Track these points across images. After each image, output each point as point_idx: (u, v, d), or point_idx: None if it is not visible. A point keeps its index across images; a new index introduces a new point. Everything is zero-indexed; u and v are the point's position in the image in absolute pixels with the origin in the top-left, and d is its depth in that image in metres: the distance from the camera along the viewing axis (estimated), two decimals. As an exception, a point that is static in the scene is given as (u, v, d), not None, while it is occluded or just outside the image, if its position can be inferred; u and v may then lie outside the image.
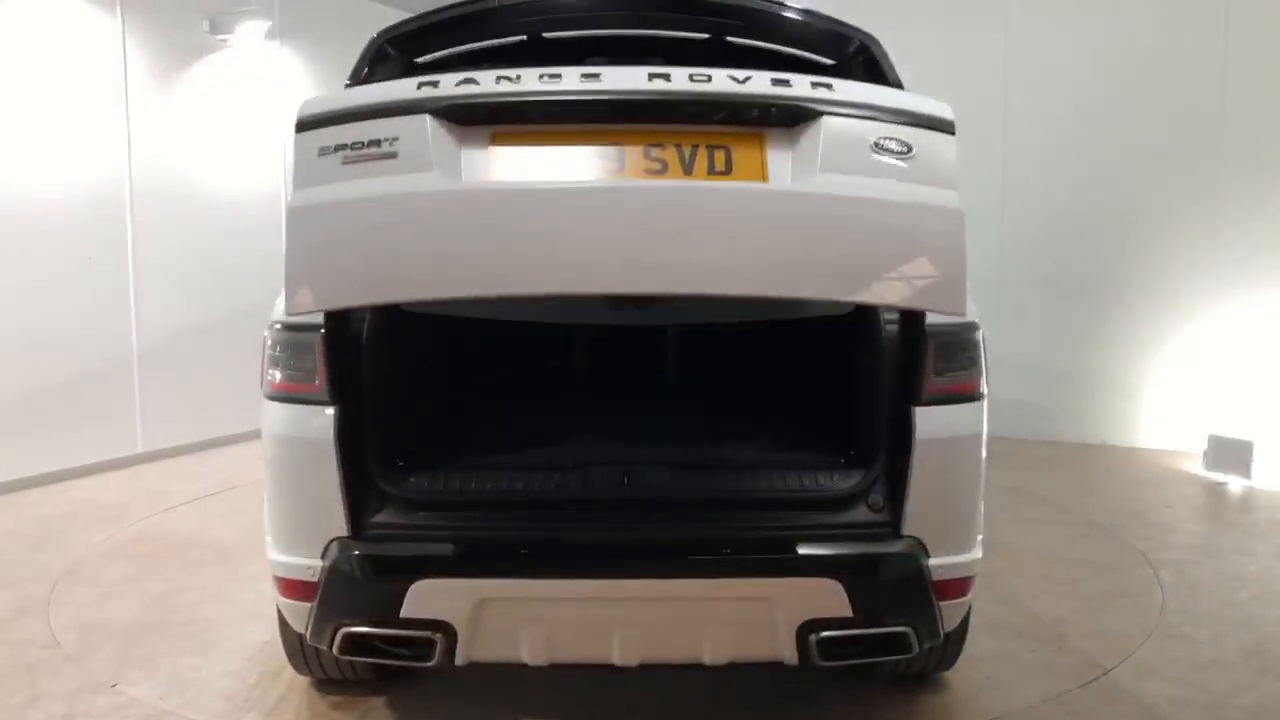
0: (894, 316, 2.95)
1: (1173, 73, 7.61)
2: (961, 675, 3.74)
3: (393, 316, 3.00)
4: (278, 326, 2.90)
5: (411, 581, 2.65)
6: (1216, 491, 6.72)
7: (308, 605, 2.80)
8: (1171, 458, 7.55)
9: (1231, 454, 6.86)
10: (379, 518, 2.83)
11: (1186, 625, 4.25)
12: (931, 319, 2.84)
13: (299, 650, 3.34)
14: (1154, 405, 7.85)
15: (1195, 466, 7.18)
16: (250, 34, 7.99)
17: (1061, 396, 8.09)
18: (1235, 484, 6.79)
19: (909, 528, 2.84)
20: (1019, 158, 8.20)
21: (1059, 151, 8.06)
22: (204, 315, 7.91)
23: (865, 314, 3.01)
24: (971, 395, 2.92)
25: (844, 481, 2.90)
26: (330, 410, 2.81)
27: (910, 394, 2.85)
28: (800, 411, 3.78)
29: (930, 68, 6.84)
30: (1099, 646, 4.09)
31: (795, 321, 3.60)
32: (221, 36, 7.91)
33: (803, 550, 2.79)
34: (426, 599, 2.65)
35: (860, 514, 2.86)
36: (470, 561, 2.69)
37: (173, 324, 7.59)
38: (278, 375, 2.90)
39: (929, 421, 2.84)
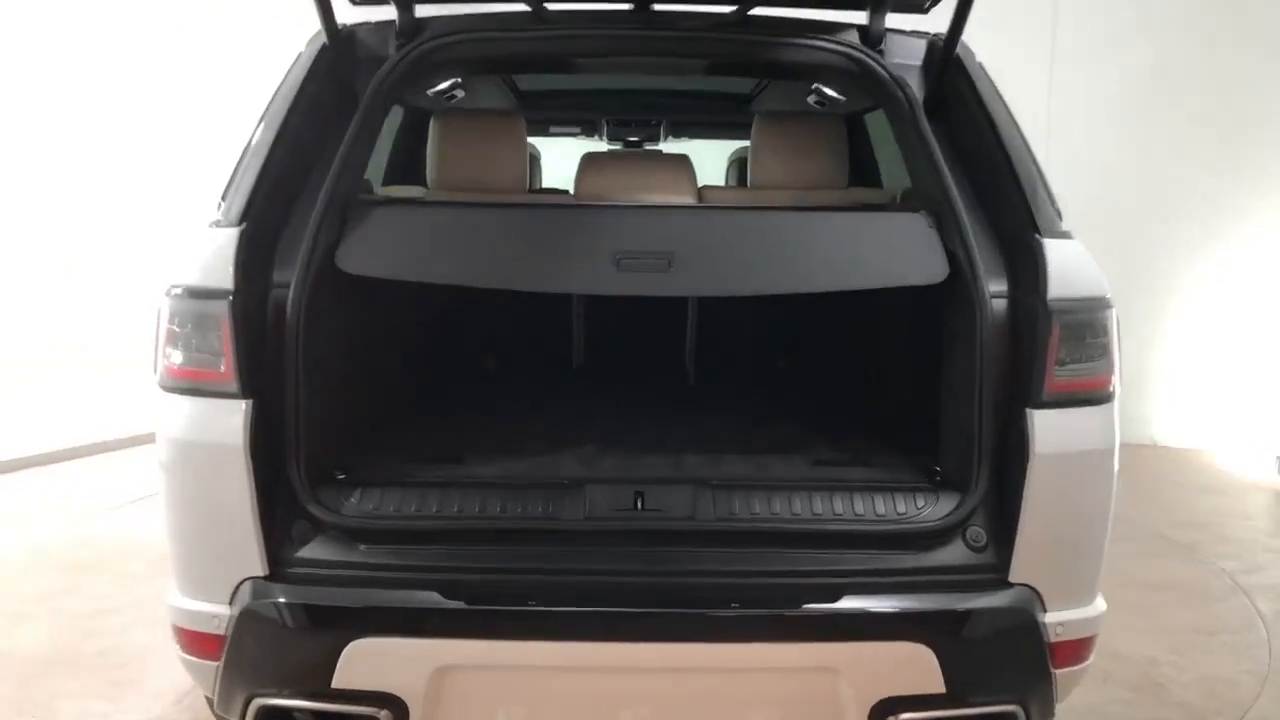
0: (1001, 286, 2.22)
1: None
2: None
3: (332, 279, 2.26)
4: (176, 291, 2.16)
5: (348, 640, 2.07)
6: (1298, 501, 6.00)
7: (214, 665, 2.19)
8: (1233, 461, 6.85)
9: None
10: (307, 552, 2.16)
11: (1305, 672, 3.55)
12: (1057, 290, 2.12)
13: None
14: (1212, 404, 7.18)
15: (1266, 472, 6.47)
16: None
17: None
18: (1316, 491, 6.07)
19: (1020, 572, 2.18)
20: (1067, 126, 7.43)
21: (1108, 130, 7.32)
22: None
23: (959, 282, 2.27)
24: (1103, 394, 2.21)
25: (932, 509, 2.19)
26: (242, 405, 2.11)
27: (1024, 392, 2.16)
28: (867, 413, 3.04)
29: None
30: (1205, 699, 3.42)
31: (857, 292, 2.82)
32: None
33: (878, 604, 2.12)
34: (368, 664, 2.08)
35: (955, 554, 2.18)
36: (428, 615, 2.09)
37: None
38: (175, 357, 2.17)
39: (1050, 429, 2.14)
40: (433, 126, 2.94)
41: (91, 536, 5.07)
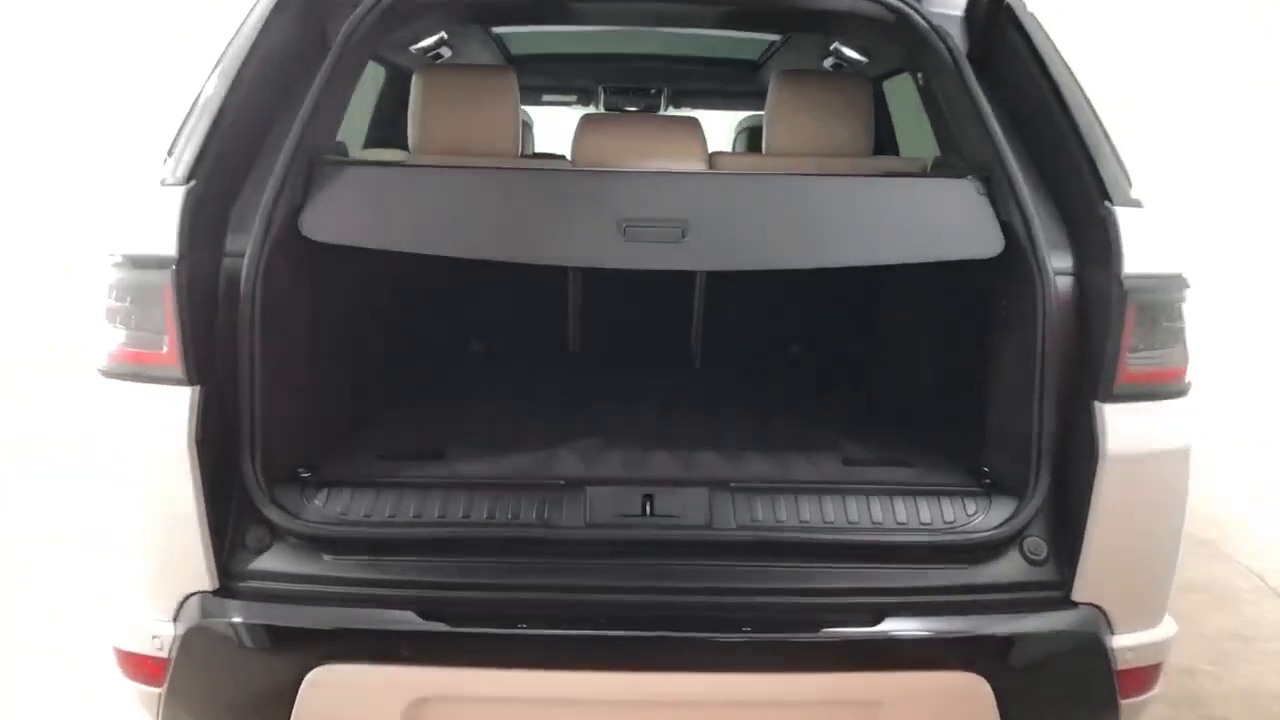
0: (1065, 262, 1.93)
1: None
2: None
3: (295, 248, 1.96)
4: (114, 260, 1.87)
5: (310, 666, 1.81)
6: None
7: (156, 692, 1.90)
8: (1243, 448, 6.58)
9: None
10: (263, 563, 1.88)
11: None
12: (1133, 265, 1.85)
13: None
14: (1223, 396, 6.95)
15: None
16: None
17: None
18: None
19: (1085, 590, 1.91)
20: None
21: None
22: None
23: (1015, 256, 1.98)
24: (1178, 386, 1.94)
25: (984, 517, 1.92)
26: (187, 392, 1.81)
27: (1092, 383, 1.89)
28: (896, 404, 2.73)
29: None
30: (1249, 714, 3.16)
31: (887, 267, 2.54)
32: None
33: (925, 627, 1.85)
34: (333, 695, 1.83)
35: (1011, 568, 1.91)
36: (402, 638, 1.82)
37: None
38: (114, 337, 1.87)
39: (1122, 426, 1.88)
40: (415, 83, 2.64)
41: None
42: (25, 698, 3.00)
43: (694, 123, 2.81)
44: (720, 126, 4.80)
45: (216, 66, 2.04)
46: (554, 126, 4.64)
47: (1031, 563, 1.89)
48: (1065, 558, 1.89)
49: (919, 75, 2.80)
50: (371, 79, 3.64)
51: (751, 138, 4.41)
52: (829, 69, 3.33)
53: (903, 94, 3.39)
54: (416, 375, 2.92)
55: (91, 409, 1.96)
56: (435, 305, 3.11)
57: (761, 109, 2.89)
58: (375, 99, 3.71)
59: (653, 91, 4.45)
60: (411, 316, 2.97)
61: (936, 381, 2.49)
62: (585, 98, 4.55)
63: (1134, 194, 1.98)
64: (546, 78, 4.33)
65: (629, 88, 4.41)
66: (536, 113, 4.81)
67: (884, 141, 3.57)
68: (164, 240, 1.81)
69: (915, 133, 3.54)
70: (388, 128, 3.48)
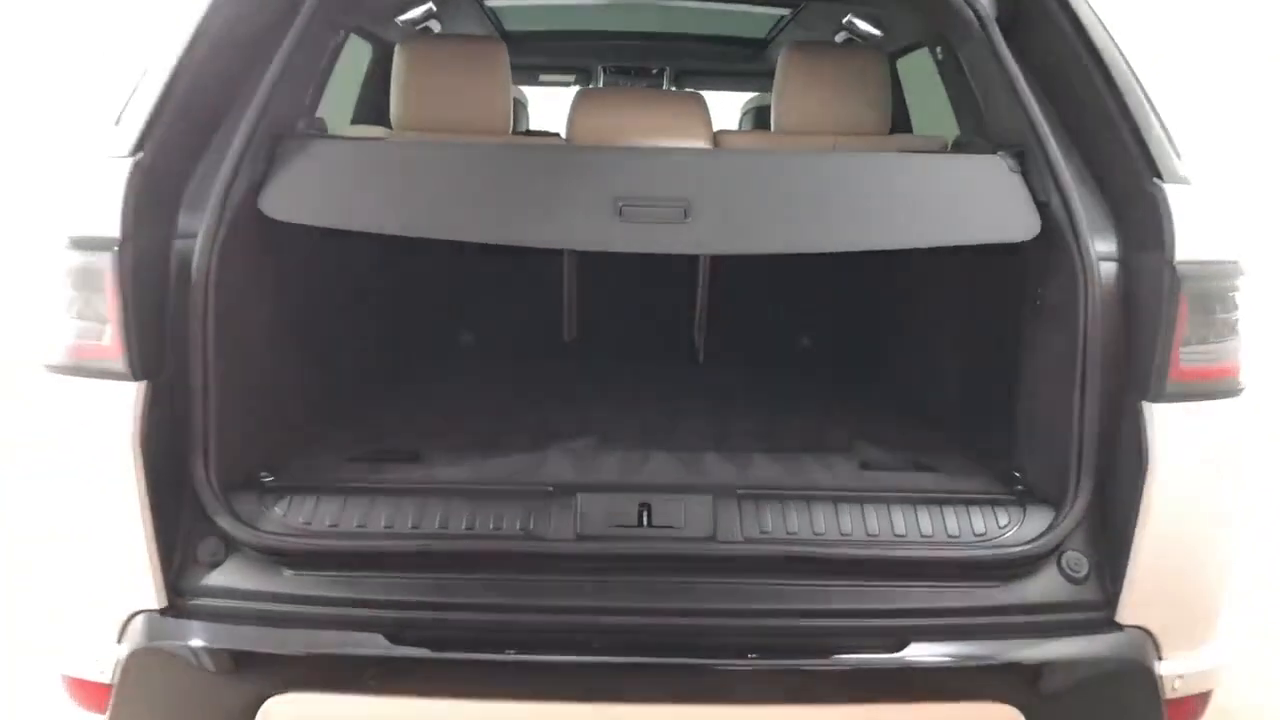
0: (1109, 246, 1.74)
1: None
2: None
3: (256, 228, 1.78)
4: (58, 241, 1.68)
5: (266, 694, 1.63)
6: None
7: None
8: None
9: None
10: (217, 578, 1.69)
11: None
12: (1186, 250, 1.66)
13: None
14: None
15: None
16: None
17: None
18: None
19: (1131, 610, 1.71)
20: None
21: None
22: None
23: (1053, 240, 1.79)
24: (1233, 385, 1.75)
25: (1018, 529, 1.73)
26: (132, 388, 1.63)
27: (1140, 380, 1.70)
28: (914, 402, 2.52)
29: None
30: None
31: (903, 253, 2.36)
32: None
33: (953, 652, 1.65)
34: None
35: (1049, 586, 1.72)
36: (369, 664, 1.64)
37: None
38: (57, 329, 1.69)
39: (1174, 428, 1.68)
40: (397, 55, 2.45)
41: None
42: (25, 698, 2.84)
43: (697, 98, 2.62)
44: (727, 110, 4.58)
45: (173, 26, 1.84)
46: (556, 110, 4.44)
47: (1071, 580, 1.70)
48: (1109, 575, 1.69)
49: (937, 50, 2.60)
50: (358, 57, 3.45)
51: (759, 118, 4.19)
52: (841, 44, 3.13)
53: (916, 73, 3.19)
54: (395, 369, 2.72)
55: (38, 410, 1.78)
56: (416, 292, 2.89)
57: (769, 89, 2.70)
58: (362, 79, 3.52)
59: (655, 71, 4.23)
60: (389, 305, 2.75)
61: (961, 377, 2.29)
62: (584, 78, 4.33)
63: (1183, 170, 1.78)
64: (543, 56, 4.12)
65: (630, 67, 4.19)
66: (534, 95, 4.61)
67: (897, 124, 3.36)
68: (106, 219, 1.62)
69: (930, 115, 3.35)
70: (374, 109, 3.28)
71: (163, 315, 1.68)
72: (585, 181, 1.85)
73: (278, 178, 1.81)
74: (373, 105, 3.28)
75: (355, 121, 3.29)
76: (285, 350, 1.98)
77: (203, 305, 1.66)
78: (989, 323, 2.10)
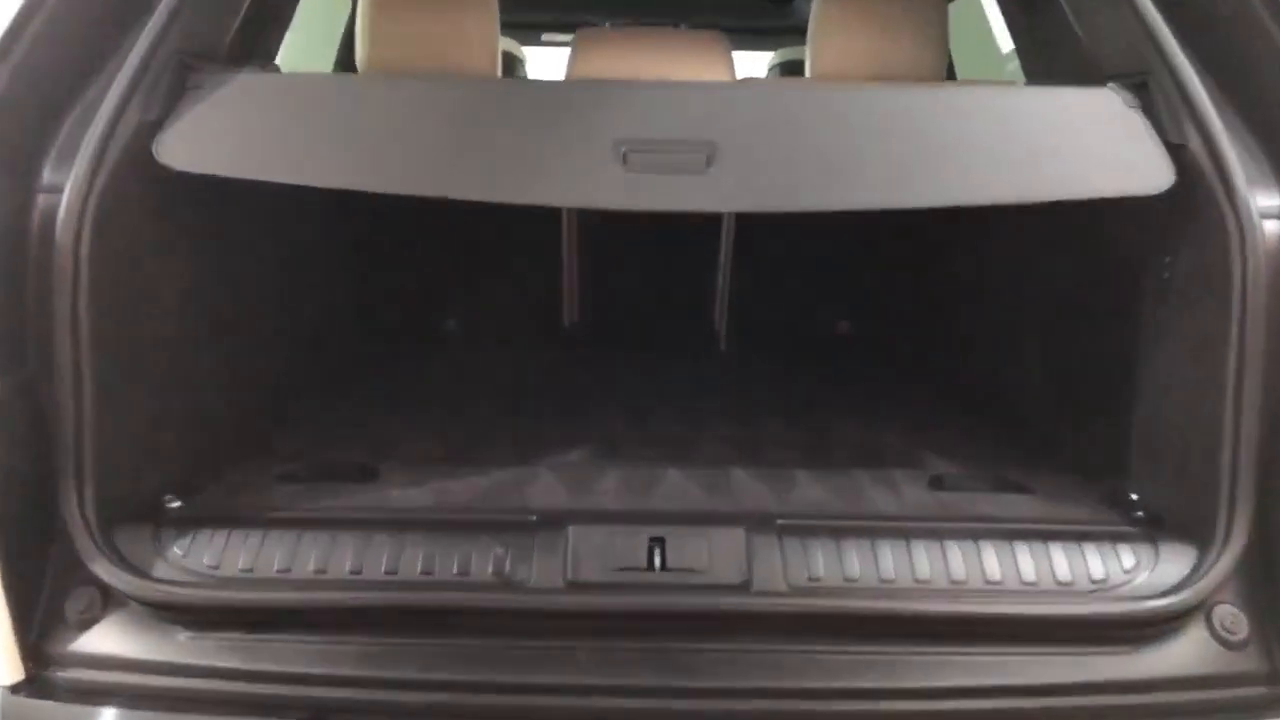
0: (1273, 202, 1.33)
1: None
2: None
3: (152, 183, 1.37)
4: None
5: None
6: None
7: None
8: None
9: None
10: (91, 642, 1.28)
11: None
12: None
13: None
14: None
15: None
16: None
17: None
18: None
19: None
20: None
21: None
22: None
23: (1193, 192, 1.36)
24: None
25: (1150, 573, 1.32)
26: None
27: None
28: (1000, 400, 2.05)
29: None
30: None
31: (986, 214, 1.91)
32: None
33: None
34: None
35: (1196, 651, 1.30)
36: None
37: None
38: None
39: None
40: None
41: None
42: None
43: (719, 38, 2.20)
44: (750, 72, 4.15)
45: None
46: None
47: (1226, 645, 1.27)
48: (1277, 637, 1.28)
49: None
50: (338, 6, 3.05)
51: (789, 72, 3.75)
52: None
53: (963, 21, 2.76)
54: (350, 361, 2.28)
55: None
56: (376, 266, 2.44)
57: (799, 44, 2.26)
58: (341, 33, 3.12)
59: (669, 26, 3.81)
60: (340, 282, 2.31)
61: (1049, 370, 1.85)
62: None
63: None
64: (544, 11, 3.69)
65: (641, 22, 3.76)
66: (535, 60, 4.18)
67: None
68: None
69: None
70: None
71: (22, 293, 1.28)
72: (578, 122, 1.43)
73: (182, 118, 1.40)
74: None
75: None
76: (204, 337, 1.57)
77: (71, 277, 1.26)
78: (1088, 301, 1.68)
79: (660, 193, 1.37)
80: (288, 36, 3.06)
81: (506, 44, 3.50)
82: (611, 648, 1.25)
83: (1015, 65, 2.27)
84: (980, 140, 1.48)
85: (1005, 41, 3.43)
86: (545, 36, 3.95)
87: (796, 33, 2.74)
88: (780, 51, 3.86)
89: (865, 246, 2.45)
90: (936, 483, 1.55)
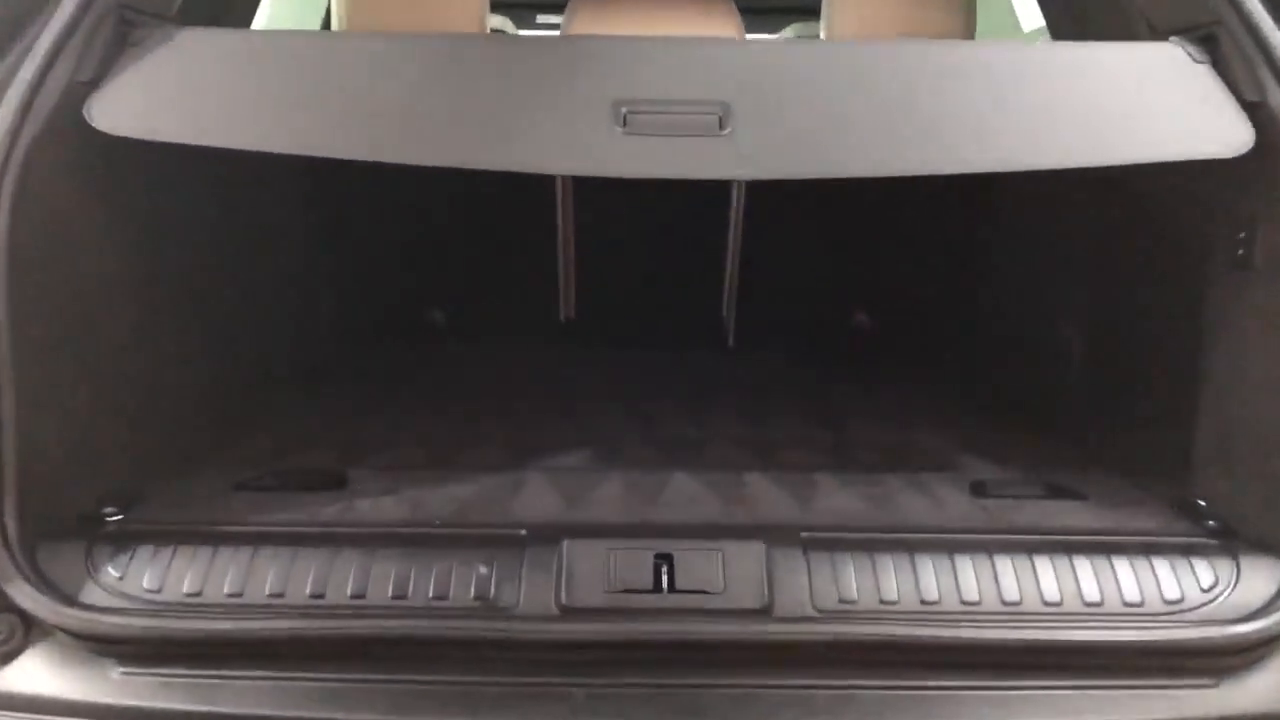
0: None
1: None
2: None
3: (86, 148, 1.20)
4: None
5: None
6: None
7: None
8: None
9: None
10: (9, 679, 1.11)
11: None
12: None
13: None
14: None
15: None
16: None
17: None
18: None
19: None
20: None
21: None
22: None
23: (1271, 155, 1.20)
24: None
25: (1232, 592, 1.15)
26: None
27: None
28: (1042, 395, 1.85)
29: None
30: None
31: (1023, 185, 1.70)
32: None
33: None
34: None
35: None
36: None
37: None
38: None
39: None
40: None
41: None
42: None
43: (728, 4, 2.03)
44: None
45: None
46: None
47: None
48: None
49: None
50: None
51: None
52: None
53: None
54: (322, 355, 2.10)
55: None
56: (357, 251, 2.24)
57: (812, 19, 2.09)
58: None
59: None
60: (310, 266, 2.12)
61: (1097, 362, 1.68)
62: None
63: None
64: None
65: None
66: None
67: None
68: None
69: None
70: None
71: None
72: (572, 80, 1.26)
73: (122, 76, 1.24)
74: None
75: None
76: (150, 327, 1.40)
77: (9, 268, 1.09)
78: (1142, 286, 1.51)
79: (664, 158, 1.20)
80: (271, 9, 2.89)
81: (500, 22, 3.33)
82: (612, 685, 1.08)
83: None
84: (1030, 100, 1.31)
85: (1026, 21, 3.28)
86: (541, 19, 3.78)
87: (807, 10, 2.57)
88: (791, 27, 3.68)
89: (888, 229, 2.26)
90: (978, 489, 1.38)
